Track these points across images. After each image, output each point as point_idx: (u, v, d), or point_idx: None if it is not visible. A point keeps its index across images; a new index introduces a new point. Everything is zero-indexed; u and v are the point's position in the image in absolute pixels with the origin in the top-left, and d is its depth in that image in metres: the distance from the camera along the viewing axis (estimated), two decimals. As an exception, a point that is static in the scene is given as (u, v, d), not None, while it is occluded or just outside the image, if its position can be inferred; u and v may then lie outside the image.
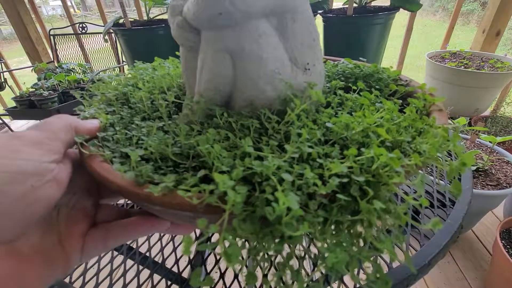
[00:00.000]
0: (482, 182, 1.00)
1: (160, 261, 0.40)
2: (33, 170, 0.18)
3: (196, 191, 0.17)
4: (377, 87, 0.31)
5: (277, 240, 0.16)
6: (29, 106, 1.44)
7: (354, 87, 0.30)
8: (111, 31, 1.15)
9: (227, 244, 0.15)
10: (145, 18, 1.26)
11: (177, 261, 0.37)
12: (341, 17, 1.05)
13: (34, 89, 1.49)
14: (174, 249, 0.41)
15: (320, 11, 1.14)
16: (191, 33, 0.24)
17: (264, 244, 0.16)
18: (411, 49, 1.83)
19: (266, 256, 0.17)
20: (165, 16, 1.30)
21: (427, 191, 0.40)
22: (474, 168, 1.03)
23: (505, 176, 1.01)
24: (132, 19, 1.21)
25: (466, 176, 0.39)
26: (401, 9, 1.11)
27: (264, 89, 0.24)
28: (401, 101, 0.28)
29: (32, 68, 1.78)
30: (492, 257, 0.94)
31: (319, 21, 1.24)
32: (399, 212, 0.16)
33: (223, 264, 0.38)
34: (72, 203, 0.23)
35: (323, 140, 0.22)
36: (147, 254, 0.41)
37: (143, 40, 1.11)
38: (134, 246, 0.43)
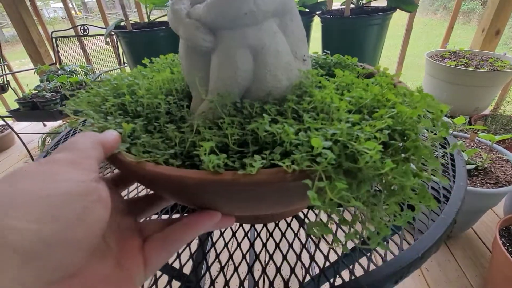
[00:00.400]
0: (482, 180, 1.00)
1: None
2: (80, 191, 0.16)
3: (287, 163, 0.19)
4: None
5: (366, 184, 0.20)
6: (32, 108, 1.46)
7: (334, 72, 0.35)
8: (113, 33, 1.17)
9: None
10: (146, 20, 1.28)
11: (178, 256, 0.38)
12: (338, 18, 1.07)
13: (36, 91, 1.51)
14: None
15: (318, 12, 1.16)
16: (207, 34, 0.25)
17: (358, 189, 0.19)
18: (412, 49, 1.83)
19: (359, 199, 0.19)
20: (165, 18, 1.32)
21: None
22: (473, 166, 1.03)
23: (504, 174, 1.02)
24: (133, 22, 1.22)
25: (460, 172, 0.40)
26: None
27: (280, 79, 0.27)
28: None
29: (34, 70, 1.80)
30: (492, 255, 0.95)
31: (317, 22, 1.25)
32: (429, 147, 0.21)
33: (223, 257, 0.39)
34: (115, 224, 0.23)
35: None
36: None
37: (144, 42, 1.12)
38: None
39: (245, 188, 0.20)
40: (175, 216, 0.27)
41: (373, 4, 1.24)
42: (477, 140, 1.17)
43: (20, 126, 2.38)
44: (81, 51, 2.05)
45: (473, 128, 1.13)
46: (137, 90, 0.29)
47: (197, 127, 0.25)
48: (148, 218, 0.26)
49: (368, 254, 0.32)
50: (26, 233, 0.13)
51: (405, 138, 0.22)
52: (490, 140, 1.05)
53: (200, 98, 0.28)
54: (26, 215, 0.14)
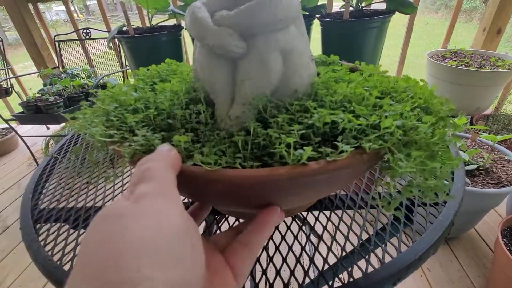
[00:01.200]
0: (483, 181, 1.00)
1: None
2: (184, 225, 0.16)
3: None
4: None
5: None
6: (35, 111, 1.47)
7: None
8: (115, 37, 1.18)
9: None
10: (147, 23, 1.29)
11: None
12: (338, 21, 1.07)
13: (40, 95, 1.53)
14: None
15: (318, 15, 1.16)
16: (240, 41, 0.26)
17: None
18: (413, 48, 1.83)
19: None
20: (167, 23, 1.34)
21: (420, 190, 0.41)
22: (475, 166, 1.03)
23: (506, 174, 1.02)
24: (135, 26, 1.24)
25: (458, 174, 0.40)
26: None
27: (304, 77, 0.30)
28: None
29: (38, 74, 1.82)
30: (494, 255, 0.94)
31: (317, 22, 1.26)
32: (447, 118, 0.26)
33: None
34: None
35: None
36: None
37: (146, 46, 1.13)
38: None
39: (322, 177, 0.22)
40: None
41: (372, 6, 1.24)
42: (478, 140, 1.17)
43: (24, 129, 2.40)
44: (83, 54, 2.07)
45: (474, 128, 1.13)
46: (158, 104, 0.29)
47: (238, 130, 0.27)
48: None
49: (367, 257, 0.32)
50: (160, 283, 0.13)
51: (430, 112, 0.27)
52: (491, 141, 1.04)
53: (228, 104, 0.28)
54: (156, 264, 0.13)
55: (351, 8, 1.14)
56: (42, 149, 1.85)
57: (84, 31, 1.91)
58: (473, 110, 1.49)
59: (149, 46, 1.13)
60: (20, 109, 1.52)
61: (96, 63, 2.10)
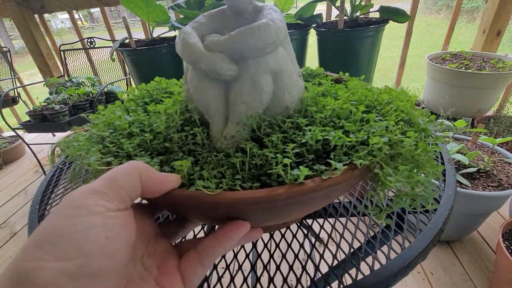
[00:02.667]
0: (484, 183, 1.00)
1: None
2: (102, 223, 0.18)
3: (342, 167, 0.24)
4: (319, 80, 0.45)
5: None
6: (42, 119, 1.51)
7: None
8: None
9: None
10: (149, 36, 1.32)
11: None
12: (333, 31, 1.09)
13: (46, 104, 1.56)
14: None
15: (313, 25, 1.18)
16: (232, 64, 0.28)
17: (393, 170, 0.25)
18: (415, 49, 1.84)
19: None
20: (167, 35, 1.37)
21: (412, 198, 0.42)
22: (475, 169, 1.03)
23: (507, 177, 1.01)
24: (136, 39, 1.27)
25: (450, 182, 0.41)
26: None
27: (293, 95, 0.31)
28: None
29: (44, 83, 1.86)
30: (496, 258, 0.94)
31: (313, 34, 1.28)
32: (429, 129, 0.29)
33: (228, 257, 0.41)
34: (151, 248, 0.24)
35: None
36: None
37: (147, 58, 1.17)
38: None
39: (318, 193, 0.23)
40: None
41: (367, 15, 1.26)
42: (479, 142, 1.17)
43: (30, 136, 2.45)
44: (87, 61, 2.11)
45: (475, 131, 1.13)
46: (154, 127, 0.30)
47: (235, 151, 0.28)
48: (183, 239, 0.28)
49: (357, 265, 0.34)
50: (52, 271, 0.15)
51: (412, 124, 0.29)
52: (491, 143, 1.04)
53: (222, 124, 0.30)
54: (52, 254, 0.16)
55: (346, 18, 1.16)
56: (48, 156, 1.89)
57: (89, 40, 1.95)
58: (474, 112, 1.49)
59: (150, 58, 1.17)
60: (27, 118, 1.56)
61: (100, 70, 2.14)
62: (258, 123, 0.29)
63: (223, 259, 0.41)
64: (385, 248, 0.35)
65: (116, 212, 0.19)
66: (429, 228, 0.35)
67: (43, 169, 1.86)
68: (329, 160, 0.24)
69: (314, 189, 0.22)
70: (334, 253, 0.36)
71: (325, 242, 0.39)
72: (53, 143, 1.89)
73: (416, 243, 0.33)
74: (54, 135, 2.46)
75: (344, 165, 0.23)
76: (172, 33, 1.38)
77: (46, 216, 0.18)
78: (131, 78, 1.38)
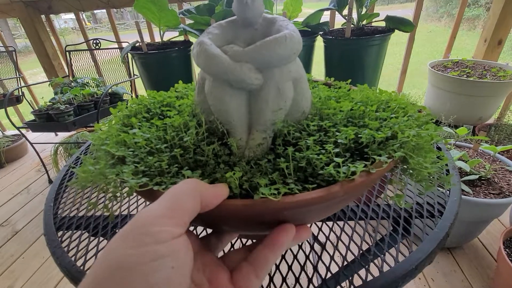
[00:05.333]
0: (485, 191, 1.01)
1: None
2: (167, 252, 0.18)
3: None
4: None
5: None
6: (47, 119, 1.52)
7: None
8: (121, 48, 1.24)
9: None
10: (158, 40, 1.34)
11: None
12: (340, 39, 1.11)
13: (51, 103, 1.58)
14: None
15: (320, 32, 1.21)
16: (258, 74, 0.29)
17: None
18: (415, 55, 1.87)
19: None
20: (177, 39, 1.39)
21: (418, 202, 0.43)
22: (477, 176, 1.05)
23: (508, 184, 1.03)
24: (146, 43, 1.29)
25: (454, 188, 0.42)
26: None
27: (308, 99, 0.34)
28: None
29: (49, 83, 1.88)
30: (497, 265, 0.95)
31: (320, 42, 1.30)
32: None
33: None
34: (200, 264, 0.23)
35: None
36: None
37: (158, 62, 1.19)
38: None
39: (366, 187, 0.25)
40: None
41: (373, 24, 1.29)
42: (480, 150, 1.18)
43: (33, 135, 2.46)
44: (91, 61, 2.13)
45: (476, 139, 1.14)
46: (180, 142, 0.30)
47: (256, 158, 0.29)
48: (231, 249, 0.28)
49: (367, 266, 0.35)
50: None
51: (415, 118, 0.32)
52: (492, 151, 1.06)
53: (245, 134, 0.30)
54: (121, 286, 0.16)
55: (352, 26, 1.18)
56: (51, 156, 1.90)
57: (94, 41, 1.97)
58: (475, 120, 1.51)
59: (160, 62, 1.19)
60: (30, 117, 1.57)
61: (104, 69, 2.15)
62: (288, 129, 0.30)
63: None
64: (393, 251, 0.36)
65: (179, 238, 0.19)
66: (435, 232, 0.36)
67: (45, 168, 1.87)
68: (371, 156, 0.26)
69: (365, 183, 0.24)
70: (344, 254, 0.37)
71: (324, 245, 0.40)
72: (56, 143, 1.91)
73: (423, 246, 0.34)
74: (56, 135, 2.47)
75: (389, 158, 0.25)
76: (179, 37, 1.40)
77: (112, 238, 0.18)
78: (141, 80, 1.40)
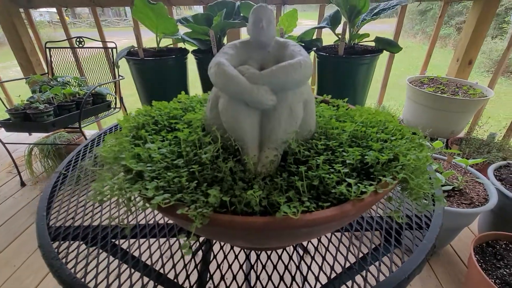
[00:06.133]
0: (458, 201, 1.09)
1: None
2: None
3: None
4: None
5: None
6: (23, 119, 1.44)
7: None
8: (108, 46, 1.20)
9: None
10: (152, 45, 1.33)
11: (185, 266, 0.42)
12: (333, 56, 1.17)
13: (29, 102, 1.50)
14: (174, 265, 0.43)
15: (314, 48, 1.25)
16: (274, 95, 0.31)
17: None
18: (392, 69, 1.99)
19: None
20: (175, 46, 1.37)
21: (407, 215, 0.47)
22: (451, 187, 1.12)
23: (477, 195, 1.11)
24: (142, 48, 1.27)
25: (438, 202, 0.46)
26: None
27: (315, 119, 0.36)
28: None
29: (26, 80, 1.78)
30: (467, 270, 1.02)
31: (312, 57, 1.36)
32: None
33: (224, 267, 0.43)
34: None
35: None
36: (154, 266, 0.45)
37: (154, 68, 1.18)
38: (149, 263, 0.46)
39: (371, 205, 0.28)
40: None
41: (362, 43, 1.36)
42: (453, 162, 1.27)
43: (4, 134, 2.31)
44: (72, 58, 2.04)
45: (450, 152, 1.23)
46: (198, 158, 0.30)
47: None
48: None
49: (364, 275, 0.37)
50: None
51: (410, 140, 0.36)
52: (464, 164, 1.14)
53: (257, 150, 0.32)
54: None
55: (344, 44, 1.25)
56: (25, 157, 1.79)
57: (78, 39, 1.90)
58: (448, 133, 1.62)
59: (156, 68, 1.17)
60: (5, 116, 1.48)
61: (86, 68, 2.07)
62: (299, 148, 0.32)
63: (218, 270, 0.43)
64: (385, 259, 0.39)
65: None
66: (424, 243, 0.39)
67: (18, 169, 1.76)
68: (377, 176, 0.29)
69: (373, 202, 0.27)
70: (343, 264, 0.40)
71: (312, 254, 0.42)
72: (30, 143, 1.80)
73: (413, 257, 0.37)
74: (30, 135, 2.33)
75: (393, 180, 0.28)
76: (174, 44, 1.38)
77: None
78: (122, 77, 1.35)
